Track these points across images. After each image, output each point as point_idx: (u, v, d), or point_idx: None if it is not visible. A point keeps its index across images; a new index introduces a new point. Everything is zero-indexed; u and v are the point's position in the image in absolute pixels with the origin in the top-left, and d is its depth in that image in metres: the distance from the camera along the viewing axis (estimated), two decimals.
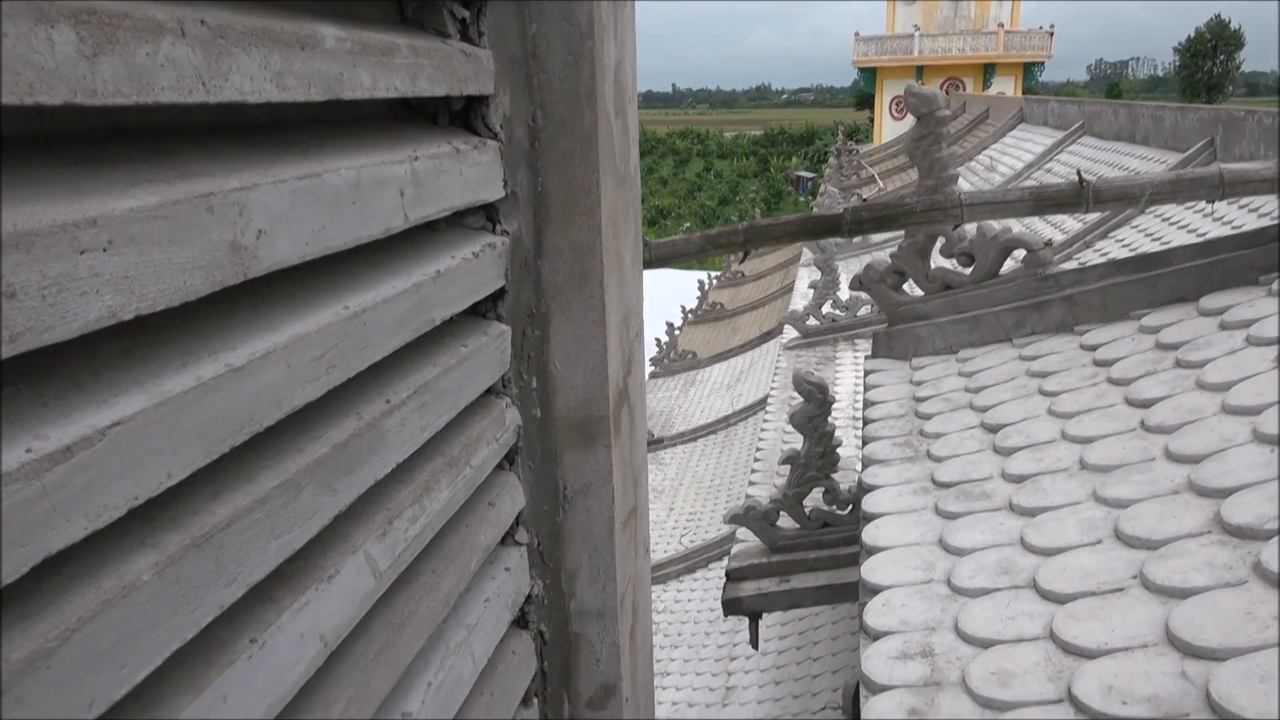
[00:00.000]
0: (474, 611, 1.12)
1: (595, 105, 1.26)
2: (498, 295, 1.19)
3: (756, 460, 5.59)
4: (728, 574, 4.24)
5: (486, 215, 1.18)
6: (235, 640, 0.68)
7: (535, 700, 1.35)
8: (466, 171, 1.07)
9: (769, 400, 6.86)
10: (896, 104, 28.68)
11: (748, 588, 4.16)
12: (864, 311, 8.11)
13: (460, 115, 1.13)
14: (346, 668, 0.84)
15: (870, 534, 2.39)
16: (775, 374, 7.42)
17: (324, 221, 0.77)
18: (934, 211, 3.25)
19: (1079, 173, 3.15)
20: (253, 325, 0.71)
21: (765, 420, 6.39)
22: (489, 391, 1.19)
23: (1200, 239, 5.72)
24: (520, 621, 1.31)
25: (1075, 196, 3.06)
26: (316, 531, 0.77)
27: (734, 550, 4.39)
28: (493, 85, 1.14)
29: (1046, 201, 3.18)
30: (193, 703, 0.62)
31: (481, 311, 1.19)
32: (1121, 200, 3.11)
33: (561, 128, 1.26)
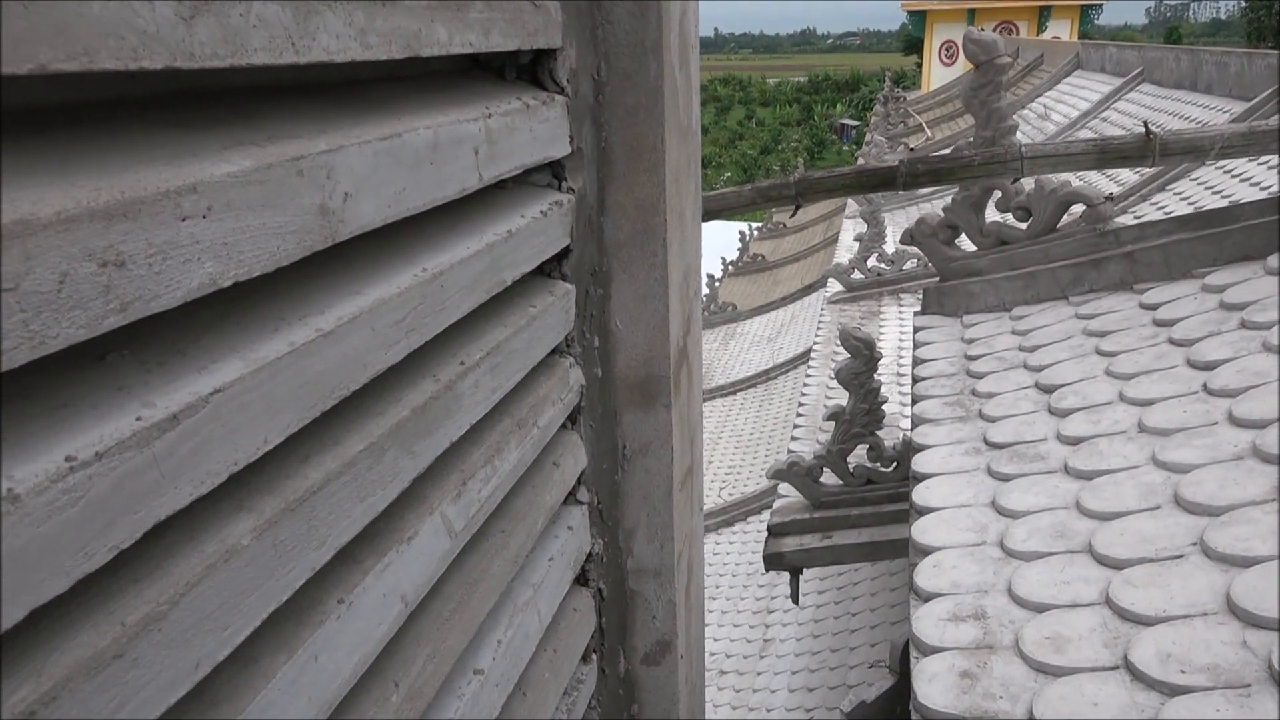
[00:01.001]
0: (539, 570, 1.13)
1: (661, 57, 1.23)
2: (563, 254, 1.18)
3: (799, 415, 5.57)
4: (770, 529, 4.26)
5: (553, 172, 1.16)
6: (325, 600, 0.69)
7: (594, 656, 1.37)
8: (536, 128, 1.05)
9: (812, 354, 6.82)
10: (946, 49, 27.84)
11: (789, 543, 4.18)
12: (910, 265, 7.99)
13: (527, 69, 1.11)
14: (424, 626, 0.85)
15: (920, 494, 2.37)
16: (819, 328, 7.36)
17: (405, 183, 0.76)
18: (993, 165, 3.16)
19: (1145, 124, 3.04)
20: (338, 289, 0.71)
21: (809, 375, 6.35)
22: (554, 351, 1.19)
23: (1265, 193, 5.53)
24: (581, 579, 1.32)
25: (1141, 149, 2.96)
26: (397, 494, 0.78)
27: (776, 505, 4.40)
28: (560, 38, 1.11)
29: (1111, 154, 3.08)
30: (287, 662, 0.63)
31: (547, 270, 1.18)
32: (1190, 154, 3.01)
33: (627, 81, 1.23)
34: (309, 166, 0.63)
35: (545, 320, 1.11)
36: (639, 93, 1.23)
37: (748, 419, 10.16)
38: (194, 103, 0.62)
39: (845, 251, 9.22)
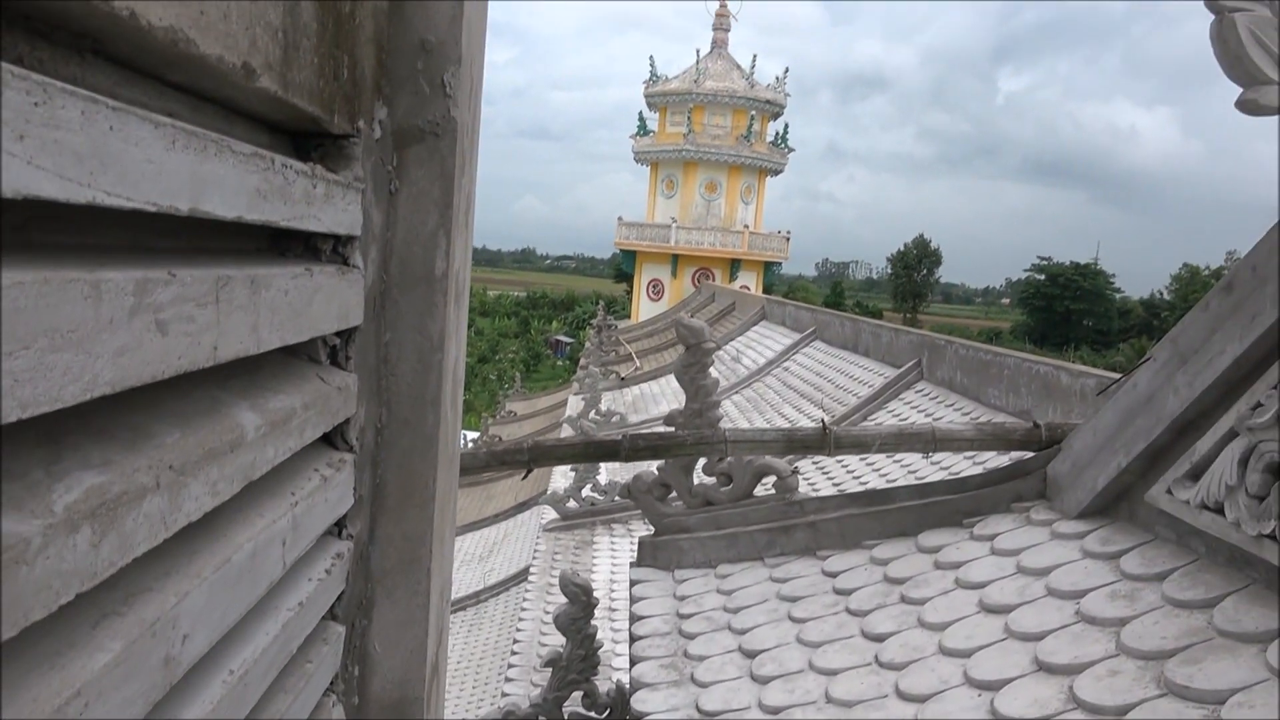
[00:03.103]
0: None
1: (439, 408, 1.38)
2: (338, 599, 1.25)
3: (514, 654, 5.55)
4: None
5: (336, 523, 1.25)
6: None
7: None
8: (330, 496, 1.15)
9: (528, 587, 6.88)
10: (653, 286, 30.80)
11: None
12: (621, 497, 8.43)
13: (323, 436, 1.22)
14: None
15: None
16: (535, 556, 7.47)
17: (229, 603, 0.83)
18: (702, 445, 3.59)
19: (823, 421, 3.63)
20: (164, 714, 0.75)
21: (524, 609, 6.39)
22: (322, 693, 1.23)
23: (925, 458, 6.54)
24: None
25: (820, 441, 3.52)
26: None
27: None
28: (355, 404, 1.24)
29: (797, 443, 3.63)
30: None
31: (322, 616, 1.24)
32: (856, 447, 3.62)
33: (405, 427, 1.37)
34: (161, 626, 0.70)
35: (320, 671, 1.16)
36: (416, 437, 1.37)
37: (456, 646, 9.82)
38: None
39: (561, 478, 9.55)
